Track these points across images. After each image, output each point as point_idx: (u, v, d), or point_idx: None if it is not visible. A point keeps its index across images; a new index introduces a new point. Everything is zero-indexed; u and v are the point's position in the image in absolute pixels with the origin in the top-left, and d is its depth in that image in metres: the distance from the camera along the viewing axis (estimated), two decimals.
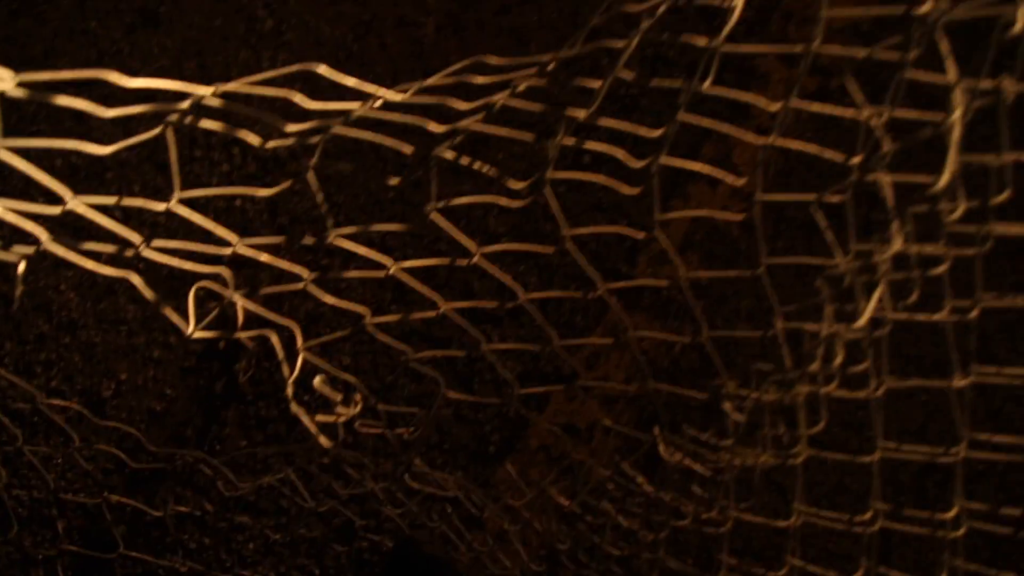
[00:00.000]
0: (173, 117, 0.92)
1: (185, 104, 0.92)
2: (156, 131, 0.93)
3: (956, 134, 0.92)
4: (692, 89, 0.98)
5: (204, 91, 0.91)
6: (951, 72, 0.92)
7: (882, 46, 0.96)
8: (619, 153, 1.01)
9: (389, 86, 2.17)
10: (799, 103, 0.99)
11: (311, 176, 1.01)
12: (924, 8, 0.92)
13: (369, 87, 0.98)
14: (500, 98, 1.01)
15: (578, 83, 1.04)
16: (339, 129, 0.96)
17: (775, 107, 0.93)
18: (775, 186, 1.45)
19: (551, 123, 1.03)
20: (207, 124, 0.94)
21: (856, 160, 0.98)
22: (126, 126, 1.52)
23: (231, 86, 0.92)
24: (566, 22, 2.04)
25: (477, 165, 1.04)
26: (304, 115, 1.01)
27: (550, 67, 1.03)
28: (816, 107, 0.97)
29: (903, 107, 0.98)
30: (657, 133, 0.99)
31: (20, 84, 0.81)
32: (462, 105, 1.02)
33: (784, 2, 1.89)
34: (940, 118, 0.94)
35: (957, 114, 0.90)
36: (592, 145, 1.00)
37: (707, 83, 1.00)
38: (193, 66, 1.78)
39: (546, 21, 2.00)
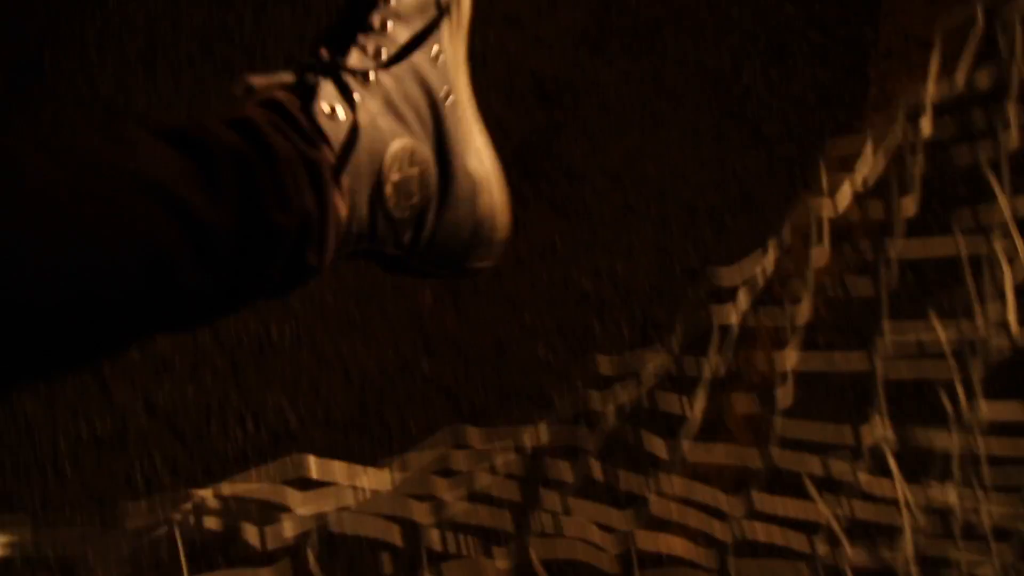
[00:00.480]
0: (177, 518, 0.96)
1: (187, 507, 0.96)
2: (162, 531, 0.97)
3: (909, 550, 0.95)
4: (654, 489, 1.02)
5: (205, 493, 0.96)
6: (899, 490, 0.96)
7: (834, 457, 1.01)
8: (595, 535, 1.05)
9: (391, 355, 2.21)
10: (758, 499, 1.03)
11: (311, 561, 1.04)
12: (871, 432, 0.97)
13: (355, 469, 1.02)
14: (481, 479, 1.05)
15: (551, 467, 1.09)
16: (333, 524, 0.99)
17: (726, 535, 0.97)
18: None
19: (529, 503, 1.08)
20: (209, 523, 0.98)
21: (822, 552, 1.01)
22: None
23: (228, 488, 0.96)
24: (557, 288, 2.10)
25: (462, 544, 1.07)
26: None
27: (529, 447, 1.08)
28: (776, 505, 1.01)
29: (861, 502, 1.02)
30: (629, 524, 1.03)
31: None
32: (444, 487, 1.06)
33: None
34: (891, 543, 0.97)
35: (907, 537, 0.93)
36: (569, 528, 1.04)
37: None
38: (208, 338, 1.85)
39: (538, 287, 2.06)
